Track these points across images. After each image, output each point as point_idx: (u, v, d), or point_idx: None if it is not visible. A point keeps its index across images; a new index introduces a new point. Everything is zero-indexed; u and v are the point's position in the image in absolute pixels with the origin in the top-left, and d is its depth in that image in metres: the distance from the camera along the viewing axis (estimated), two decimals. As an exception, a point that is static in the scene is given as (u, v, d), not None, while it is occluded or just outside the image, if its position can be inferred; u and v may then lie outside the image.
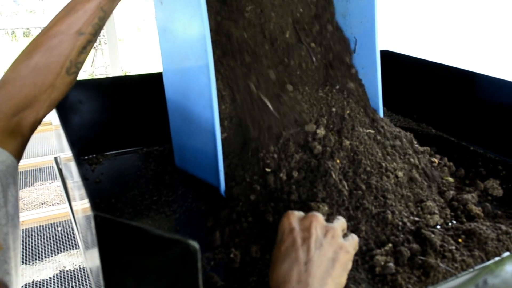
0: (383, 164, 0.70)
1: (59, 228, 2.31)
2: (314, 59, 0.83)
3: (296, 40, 0.84)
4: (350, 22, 0.89)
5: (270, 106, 0.75)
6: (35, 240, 2.22)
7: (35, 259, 2.09)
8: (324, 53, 0.86)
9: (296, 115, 0.75)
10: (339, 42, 0.87)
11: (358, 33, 0.88)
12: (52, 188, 2.72)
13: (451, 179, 0.77)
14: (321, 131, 0.73)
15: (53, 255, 2.12)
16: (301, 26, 0.85)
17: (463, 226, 0.62)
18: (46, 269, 2.02)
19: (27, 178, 2.85)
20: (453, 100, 0.99)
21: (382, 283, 0.54)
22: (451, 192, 0.72)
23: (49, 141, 3.21)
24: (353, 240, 0.51)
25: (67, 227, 2.32)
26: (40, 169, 2.93)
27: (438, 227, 0.64)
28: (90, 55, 5.61)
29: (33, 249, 2.16)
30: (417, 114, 1.10)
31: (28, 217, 2.34)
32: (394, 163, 0.72)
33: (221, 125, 0.75)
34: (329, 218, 0.53)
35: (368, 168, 0.68)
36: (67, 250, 2.15)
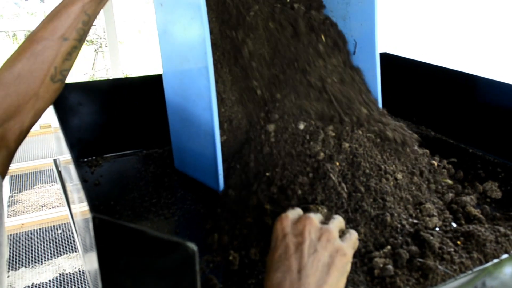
0: (382, 167, 0.70)
1: (59, 231, 2.31)
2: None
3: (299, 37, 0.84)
4: (350, 25, 0.89)
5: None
6: (35, 243, 2.22)
7: (35, 262, 2.09)
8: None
9: (296, 116, 0.75)
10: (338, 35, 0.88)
11: (358, 36, 0.88)
12: (52, 190, 2.72)
13: (450, 181, 0.77)
14: (320, 133, 0.73)
15: (53, 258, 2.12)
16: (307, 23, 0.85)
17: (462, 228, 0.62)
18: (45, 272, 2.02)
19: (27, 180, 2.85)
20: (452, 102, 1.00)
21: (380, 285, 0.54)
22: (450, 194, 0.72)
23: (49, 144, 3.21)
24: (351, 239, 0.49)
25: (67, 230, 2.32)
26: (40, 171, 2.93)
27: (437, 229, 0.64)
28: (91, 58, 5.62)
29: (33, 252, 2.16)
30: (416, 116, 1.10)
31: (28, 220, 2.34)
32: (394, 166, 0.72)
33: (221, 128, 0.75)
34: (326, 218, 0.51)
35: (367, 171, 0.69)
36: (67, 253, 2.15)
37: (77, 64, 0.70)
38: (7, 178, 2.74)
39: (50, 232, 2.31)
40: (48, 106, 0.65)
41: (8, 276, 1.98)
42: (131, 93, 0.97)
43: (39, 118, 0.65)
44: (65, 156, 0.67)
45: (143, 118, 0.97)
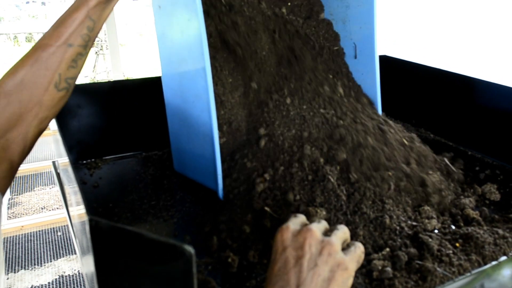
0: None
1: (59, 233, 2.31)
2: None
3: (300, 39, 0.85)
4: (349, 28, 0.89)
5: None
6: (34, 245, 2.22)
7: (35, 264, 2.09)
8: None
9: (296, 121, 0.76)
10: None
11: (358, 39, 0.89)
12: (52, 193, 2.72)
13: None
14: (319, 135, 0.73)
15: (53, 260, 2.12)
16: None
17: (461, 230, 0.62)
18: (45, 274, 2.02)
19: (27, 183, 2.85)
20: (451, 105, 1.00)
21: (379, 287, 0.54)
22: (449, 196, 0.72)
23: (50, 146, 3.22)
24: (355, 252, 0.46)
25: (67, 232, 2.31)
26: (40, 174, 2.93)
27: (436, 231, 0.63)
28: (92, 60, 5.63)
29: (33, 254, 2.15)
30: (415, 119, 1.10)
31: (28, 222, 2.34)
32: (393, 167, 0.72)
33: (220, 130, 0.75)
34: (329, 229, 0.49)
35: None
36: (66, 255, 2.15)
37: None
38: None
39: (50, 234, 2.31)
40: (53, 116, 0.63)
41: (8, 278, 1.98)
42: (130, 95, 0.97)
43: (44, 129, 0.63)
44: (64, 159, 0.66)
45: (142, 120, 0.97)
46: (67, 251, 2.18)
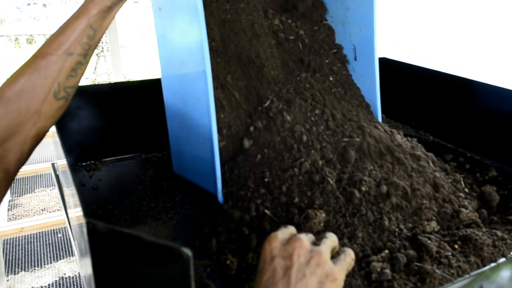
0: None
1: (59, 235, 2.31)
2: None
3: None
4: (349, 30, 0.90)
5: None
6: (35, 247, 2.22)
7: (35, 266, 2.09)
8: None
9: (295, 124, 0.76)
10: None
11: (357, 41, 0.89)
12: (53, 194, 2.72)
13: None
14: (318, 139, 0.73)
15: (53, 262, 2.12)
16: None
17: (459, 232, 0.62)
18: (45, 276, 2.02)
19: (27, 184, 2.85)
20: (450, 107, 1.00)
21: (378, 289, 0.54)
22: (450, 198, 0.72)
23: (50, 148, 3.22)
24: (345, 261, 0.46)
25: (67, 234, 2.32)
26: (41, 175, 2.93)
27: (435, 233, 0.63)
28: (93, 62, 5.63)
29: (33, 256, 2.16)
30: (415, 121, 1.10)
31: (28, 224, 2.34)
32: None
33: (220, 133, 0.75)
34: (318, 237, 0.48)
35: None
36: (67, 257, 2.15)
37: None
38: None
39: (50, 236, 2.31)
40: (50, 126, 0.62)
41: (8, 280, 1.98)
42: (130, 97, 0.97)
43: (41, 139, 0.62)
44: (62, 161, 0.67)
45: (142, 122, 0.97)
46: (67, 253, 2.18)
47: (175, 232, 0.70)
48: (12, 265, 2.08)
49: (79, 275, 2.02)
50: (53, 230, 2.35)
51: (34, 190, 2.79)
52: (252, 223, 0.65)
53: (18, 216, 2.49)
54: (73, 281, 1.99)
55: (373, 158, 0.71)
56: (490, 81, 0.90)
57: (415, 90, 1.09)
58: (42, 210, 2.55)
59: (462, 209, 0.68)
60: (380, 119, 0.87)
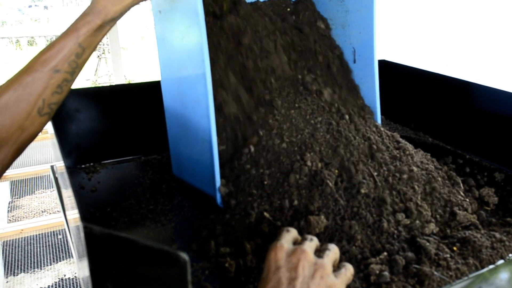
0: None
1: (59, 236, 2.31)
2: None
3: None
4: (349, 33, 0.90)
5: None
6: (35, 248, 2.22)
7: (35, 267, 2.09)
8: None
9: (295, 127, 0.76)
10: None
11: (357, 44, 0.89)
12: (53, 196, 2.72)
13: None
14: (317, 143, 0.73)
15: (53, 263, 2.12)
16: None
17: (458, 234, 0.62)
18: (45, 277, 2.02)
19: (27, 186, 2.85)
20: (449, 109, 1.00)
21: (376, 292, 0.54)
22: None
23: (51, 149, 3.22)
24: (346, 275, 0.48)
25: (67, 236, 2.31)
26: (41, 177, 2.93)
27: (433, 235, 0.63)
28: (94, 64, 5.63)
29: (33, 257, 2.16)
30: (414, 123, 1.10)
31: (28, 225, 2.34)
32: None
33: (219, 136, 0.75)
34: (320, 249, 0.50)
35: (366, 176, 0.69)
36: (67, 259, 2.15)
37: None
38: (7, 184, 2.74)
39: (50, 237, 2.31)
40: (31, 140, 0.62)
41: (7, 282, 1.98)
42: (129, 99, 0.97)
43: (21, 152, 0.62)
44: (61, 163, 0.67)
45: (142, 125, 0.97)
46: (67, 255, 2.18)
47: (174, 235, 0.70)
48: (12, 267, 2.08)
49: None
50: (53, 231, 2.35)
51: (34, 191, 2.79)
52: (251, 225, 0.65)
53: (18, 217, 2.49)
54: (72, 283, 1.98)
55: (372, 161, 0.71)
56: (489, 83, 0.90)
57: (415, 92, 1.10)
58: (42, 211, 2.55)
59: (461, 211, 0.68)
60: (379, 121, 0.87)
